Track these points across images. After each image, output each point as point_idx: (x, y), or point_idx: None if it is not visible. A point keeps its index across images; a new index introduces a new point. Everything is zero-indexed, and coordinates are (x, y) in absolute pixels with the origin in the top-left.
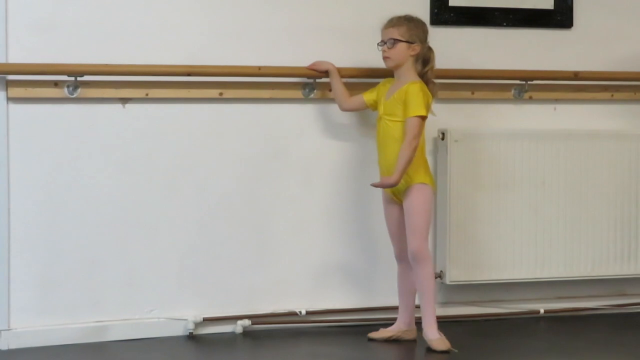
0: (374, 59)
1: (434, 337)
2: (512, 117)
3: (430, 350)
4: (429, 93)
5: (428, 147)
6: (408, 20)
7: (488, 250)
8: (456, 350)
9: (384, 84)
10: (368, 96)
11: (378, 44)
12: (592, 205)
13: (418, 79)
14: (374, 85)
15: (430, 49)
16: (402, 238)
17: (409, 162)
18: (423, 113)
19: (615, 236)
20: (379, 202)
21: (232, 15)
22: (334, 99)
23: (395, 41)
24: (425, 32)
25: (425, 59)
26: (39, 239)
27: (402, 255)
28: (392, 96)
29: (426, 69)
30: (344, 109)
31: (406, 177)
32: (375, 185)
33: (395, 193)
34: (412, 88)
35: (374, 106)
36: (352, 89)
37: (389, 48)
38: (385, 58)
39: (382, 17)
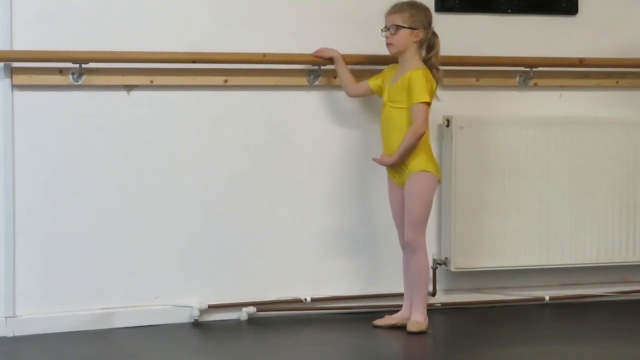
0: (379, 46)
1: (415, 318)
2: (517, 104)
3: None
4: (432, 79)
5: (433, 134)
6: (411, 6)
7: (493, 238)
8: (430, 331)
9: (389, 70)
10: (374, 82)
11: (381, 30)
12: (596, 192)
13: (422, 65)
14: (378, 72)
15: (434, 34)
16: (403, 225)
17: (412, 147)
18: (427, 99)
19: (619, 223)
20: (384, 188)
21: (237, 2)
22: (338, 86)
23: (398, 27)
24: (428, 18)
25: (429, 44)
26: (44, 226)
27: (404, 242)
28: (396, 83)
29: (430, 54)
30: (350, 95)
31: (409, 163)
32: (375, 160)
33: (395, 176)
34: (414, 74)
35: (380, 92)
36: (357, 76)
37: (391, 34)
38: (388, 44)
39: (386, 3)
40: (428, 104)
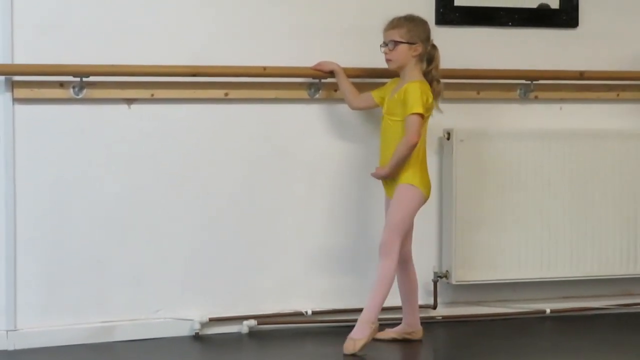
0: (379, 59)
1: (356, 336)
2: (518, 117)
3: (436, 351)
4: (429, 92)
5: (433, 146)
6: (409, 21)
7: (493, 250)
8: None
9: (392, 83)
10: (377, 94)
11: (380, 46)
12: (597, 204)
13: (420, 78)
14: (378, 85)
15: (434, 47)
16: None
17: (403, 158)
18: (420, 110)
19: (620, 236)
20: (383, 202)
21: (237, 15)
22: (339, 100)
23: (396, 43)
24: (426, 31)
25: (429, 57)
26: (44, 239)
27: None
28: (394, 96)
29: (430, 67)
30: (354, 108)
31: (399, 175)
32: (372, 175)
33: (387, 189)
34: (410, 87)
35: (383, 104)
36: (358, 89)
37: (390, 50)
38: (387, 60)
39: (387, 17)
40: (421, 115)
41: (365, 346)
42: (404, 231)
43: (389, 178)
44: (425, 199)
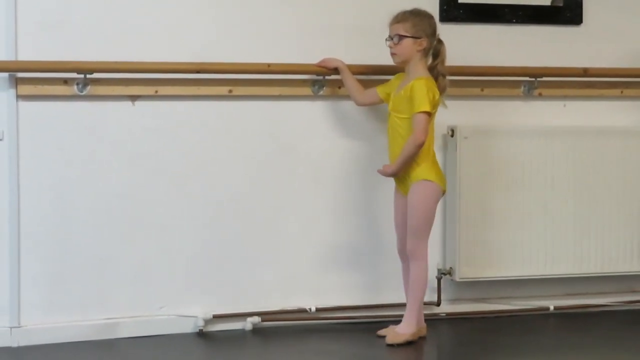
0: (383, 56)
1: (402, 330)
2: (522, 114)
3: (439, 348)
4: (435, 88)
5: (437, 143)
6: (414, 15)
7: (497, 247)
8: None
9: (397, 79)
10: (382, 89)
11: (386, 40)
12: (601, 201)
13: (426, 74)
14: (382, 81)
15: (440, 41)
16: (405, 234)
17: (411, 156)
18: (427, 109)
19: (624, 233)
20: (388, 199)
21: (241, 12)
22: (343, 96)
23: (401, 37)
24: (432, 26)
25: (435, 51)
26: (48, 236)
27: (405, 253)
28: (400, 92)
29: (436, 62)
30: (359, 104)
31: (412, 172)
32: (378, 172)
33: (400, 186)
34: (416, 84)
35: (388, 100)
36: (362, 85)
37: (395, 44)
38: (392, 54)
39: (391, 13)
40: (428, 113)
41: (405, 342)
42: (429, 229)
43: (396, 176)
44: (443, 192)
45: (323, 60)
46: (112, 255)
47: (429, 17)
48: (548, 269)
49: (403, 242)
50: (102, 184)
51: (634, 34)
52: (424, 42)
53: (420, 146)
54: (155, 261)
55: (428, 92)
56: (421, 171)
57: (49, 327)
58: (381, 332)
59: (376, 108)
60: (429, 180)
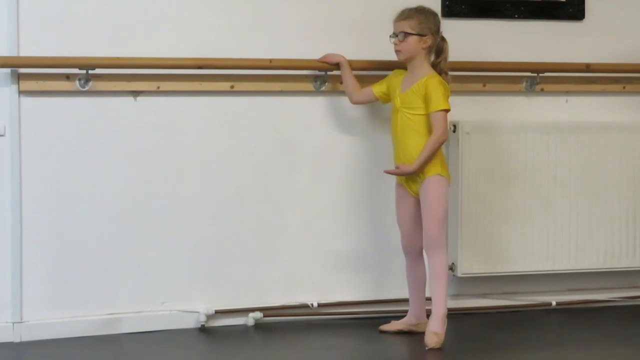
0: (386, 51)
1: (435, 328)
2: (524, 110)
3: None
4: (447, 85)
5: None
6: (419, 12)
7: (500, 243)
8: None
9: (395, 76)
10: (377, 88)
11: (390, 37)
12: (603, 197)
13: (433, 72)
14: (385, 77)
15: (443, 39)
16: (413, 231)
17: (433, 155)
18: (446, 106)
19: (627, 228)
20: (390, 195)
21: (243, 8)
22: (345, 92)
23: (406, 34)
24: (437, 24)
25: (438, 49)
26: (51, 231)
27: (410, 248)
28: (410, 89)
29: (439, 59)
30: (354, 102)
31: (425, 168)
32: (391, 172)
33: (410, 185)
34: (431, 82)
35: (384, 99)
36: (363, 81)
37: (400, 41)
38: (396, 51)
39: (393, 8)
40: (447, 111)
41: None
42: (446, 222)
43: (415, 174)
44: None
45: (325, 56)
46: (115, 251)
47: (434, 14)
48: (550, 264)
49: (408, 237)
50: (105, 179)
51: (636, 29)
52: (429, 40)
53: (442, 144)
54: (157, 257)
55: (445, 90)
56: (435, 167)
57: (51, 322)
58: (383, 327)
59: (378, 104)
60: (442, 176)
